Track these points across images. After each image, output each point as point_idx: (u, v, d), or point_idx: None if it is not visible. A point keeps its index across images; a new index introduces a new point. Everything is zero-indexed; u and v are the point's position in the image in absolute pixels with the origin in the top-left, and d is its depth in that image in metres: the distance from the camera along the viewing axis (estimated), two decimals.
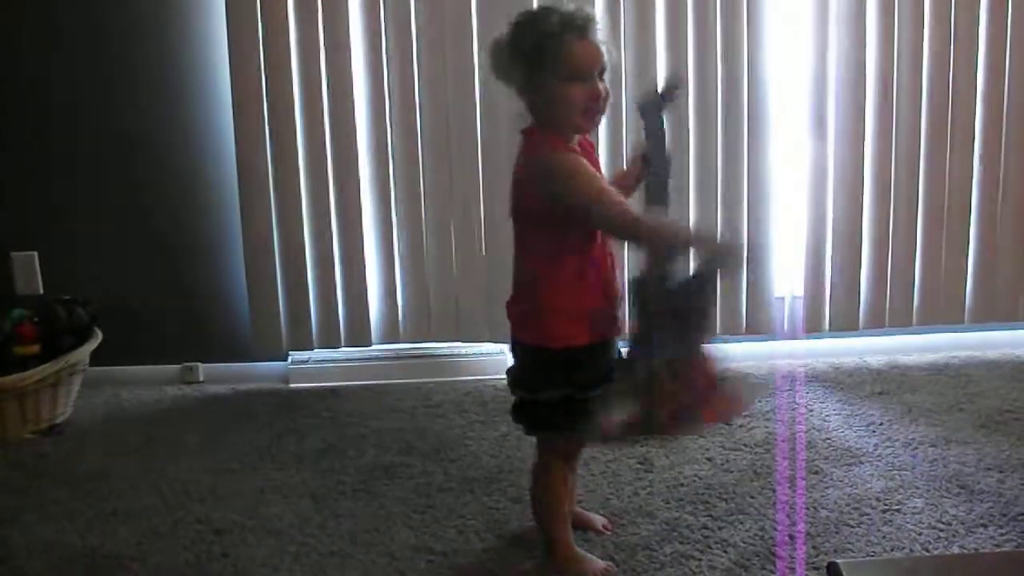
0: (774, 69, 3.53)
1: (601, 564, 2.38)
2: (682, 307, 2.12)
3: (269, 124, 3.46)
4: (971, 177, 3.62)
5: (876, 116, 3.56)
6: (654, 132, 2.29)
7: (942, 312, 3.70)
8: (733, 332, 3.67)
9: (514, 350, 2.34)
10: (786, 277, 3.70)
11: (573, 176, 2.12)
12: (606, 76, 2.14)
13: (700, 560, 2.41)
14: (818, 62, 3.52)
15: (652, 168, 2.28)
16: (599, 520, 2.58)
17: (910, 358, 3.74)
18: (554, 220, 2.15)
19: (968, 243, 3.67)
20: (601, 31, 2.13)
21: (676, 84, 2.44)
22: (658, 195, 2.27)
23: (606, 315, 2.25)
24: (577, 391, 2.22)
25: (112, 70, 3.56)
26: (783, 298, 3.71)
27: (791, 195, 3.65)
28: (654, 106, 2.31)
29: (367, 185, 3.53)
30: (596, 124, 2.24)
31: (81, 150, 3.59)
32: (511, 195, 2.26)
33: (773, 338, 3.73)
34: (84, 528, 2.66)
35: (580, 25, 2.10)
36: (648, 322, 2.13)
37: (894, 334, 3.77)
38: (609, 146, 3.50)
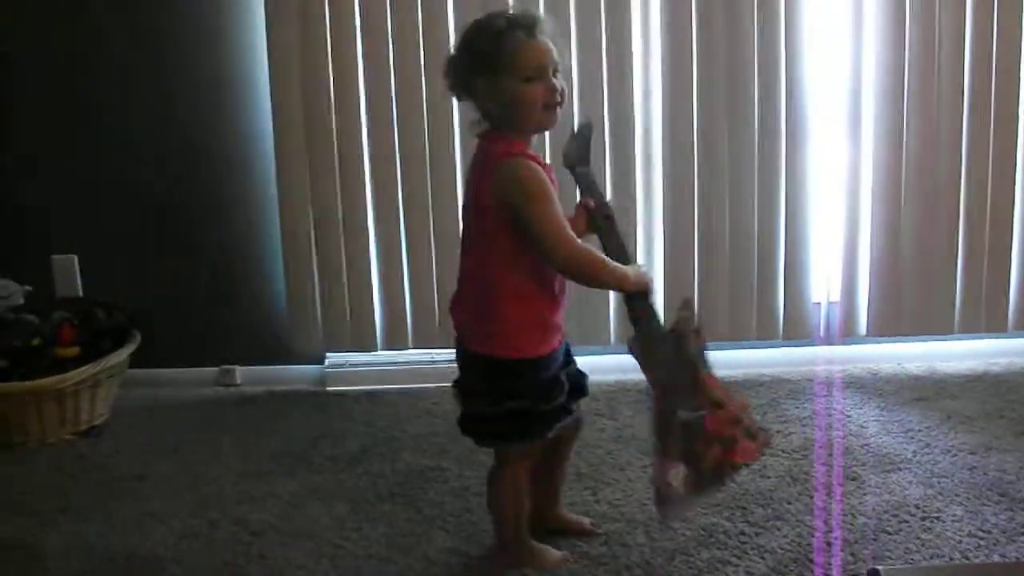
0: (811, 72, 3.51)
1: (558, 554, 2.45)
2: (675, 361, 2.18)
3: (307, 130, 3.47)
4: (1013, 183, 3.59)
5: (916, 119, 3.52)
6: (585, 181, 2.40)
7: (983, 319, 3.66)
8: (770, 337, 3.66)
9: (462, 360, 2.34)
10: (823, 282, 3.68)
11: (539, 199, 2.16)
12: (559, 74, 2.18)
13: (737, 566, 2.39)
14: (856, 64, 3.50)
15: (597, 214, 2.36)
16: (586, 521, 2.59)
17: (949, 364, 3.71)
18: (513, 226, 2.18)
19: (1011, 249, 3.63)
20: (549, 30, 2.19)
21: (587, 129, 2.48)
22: (611, 237, 2.34)
23: (557, 324, 2.30)
24: (532, 402, 2.25)
25: (153, 75, 3.58)
26: (820, 304, 3.69)
27: (829, 199, 3.62)
28: (575, 156, 2.42)
29: (404, 188, 3.53)
30: (555, 121, 2.23)
31: (120, 154, 3.62)
32: (465, 195, 2.34)
33: (811, 343, 3.71)
34: (121, 529, 2.67)
35: (528, 25, 2.15)
36: (660, 380, 2.20)
37: (933, 340, 3.74)
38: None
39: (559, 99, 2.18)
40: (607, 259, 2.23)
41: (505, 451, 2.34)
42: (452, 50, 2.25)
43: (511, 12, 2.27)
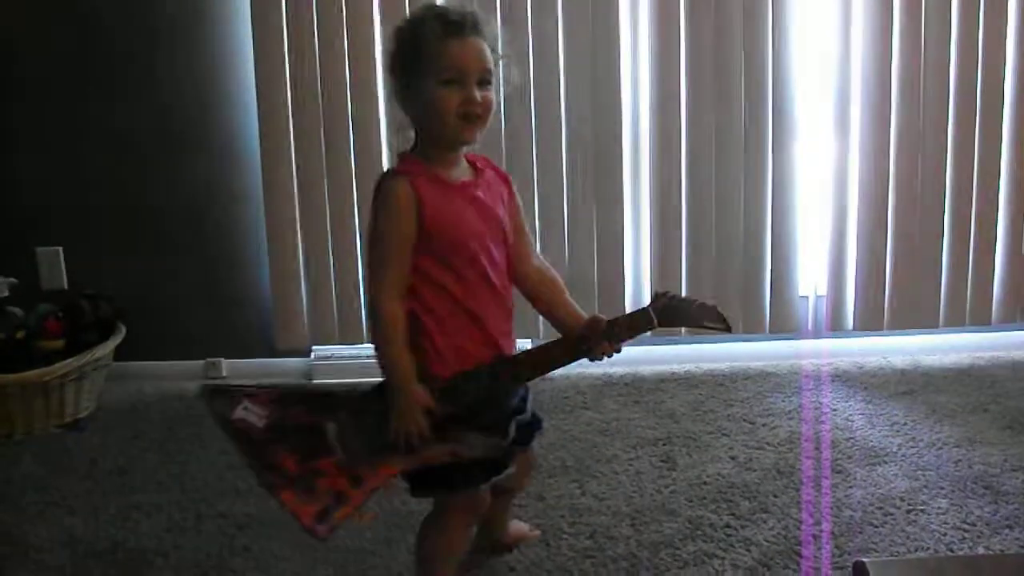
0: (798, 68, 3.53)
1: None
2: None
3: (293, 122, 3.47)
4: (998, 177, 3.60)
5: (901, 114, 3.54)
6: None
7: (968, 313, 3.68)
8: (757, 331, 3.67)
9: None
10: (810, 276, 3.69)
11: (381, 221, 1.91)
12: (493, 83, 1.93)
13: (723, 559, 2.40)
14: (842, 62, 3.51)
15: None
16: (525, 527, 2.49)
17: (934, 358, 3.72)
18: (420, 247, 1.93)
19: (995, 243, 3.65)
20: (492, 37, 1.93)
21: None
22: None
23: (486, 355, 2.01)
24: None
25: (138, 69, 3.57)
26: (807, 297, 3.70)
27: (815, 194, 3.64)
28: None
29: None
30: (475, 135, 1.94)
31: (106, 146, 3.61)
32: None
33: (797, 337, 3.72)
34: (108, 522, 2.67)
35: (455, 21, 1.89)
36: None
37: (919, 334, 3.75)
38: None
39: (478, 111, 1.89)
40: (398, 341, 1.92)
41: (442, 498, 2.11)
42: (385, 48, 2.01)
43: (444, 6, 1.99)
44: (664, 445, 3.03)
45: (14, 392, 3.16)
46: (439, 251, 1.92)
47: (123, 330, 3.46)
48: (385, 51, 2.01)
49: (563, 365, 2.06)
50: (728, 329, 2.01)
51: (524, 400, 2.13)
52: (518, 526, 2.48)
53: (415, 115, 1.96)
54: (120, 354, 3.48)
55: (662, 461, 2.92)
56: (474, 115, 1.89)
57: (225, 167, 3.64)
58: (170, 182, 3.65)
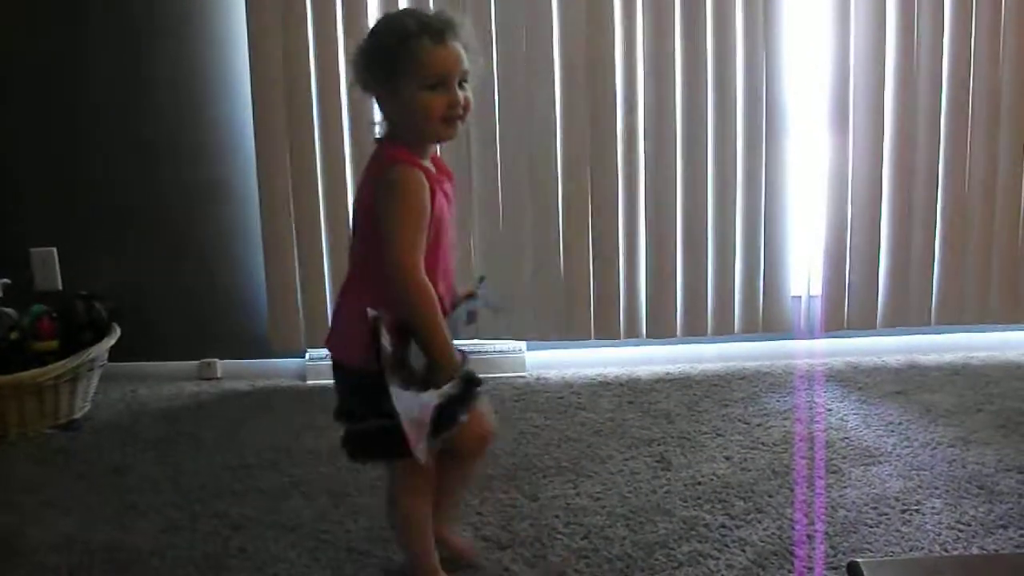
0: (793, 66, 3.53)
1: None
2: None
3: (288, 123, 3.47)
4: (993, 176, 3.60)
5: (895, 113, 3.54)
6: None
7: (962, 312, 3.68)
8: (751, 331, 3.67)
9: (344, 378, 2.20)
10: (804, 276, 3.69)
11: (402, 203, 2.02)
12: (469, 83, 2.06)
13: (718, 559, 2.40)
14: (838, 59, 3.51)
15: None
16: (470, 547, 2.47)
17: (929, 358, 3.73)
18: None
19: (990, 242, 3.64)
20: (466, 37, 2.06)
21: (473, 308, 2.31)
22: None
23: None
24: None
25: (133, 70, 3.57)
26: (800, 297, 3.70)
27: (810, 193, 3.64)
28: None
29: None
30: (456, 133, 2.10)
31: (100, 147, 3.61)
32: (355, 200, 2.21)
33: (791, 337, 3.73)
34: (103, 522, 2.66)
35: (438, 29, 2.02)
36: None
37: (913, 333, 3.76)
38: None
39: (460, 112, 2.04)
40: (437, 312, 2.06)
41: (395, 466, 2.22)
42: (359, 43, 2.10)
43: (426, 12, 2.14)
44: (659, 445, 3.03)
45: (8, 393, 3.16)
46: (432, 233, 2.08)
47: (117, 331, 3.46)
48: (360, 49, 2.10)
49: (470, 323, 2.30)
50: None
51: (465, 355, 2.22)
52: (463, 540, 2.48)
53: (394, 112, 2.09)
54: (115, 355, 3.48)
55: (657, 461, 2.93)
56: (456, 116, 2.05)
57: (221, 168, 3.64)
58: (165, 183, 3.64)
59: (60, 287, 3.67)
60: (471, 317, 2.28)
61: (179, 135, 3.61)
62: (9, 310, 3.36)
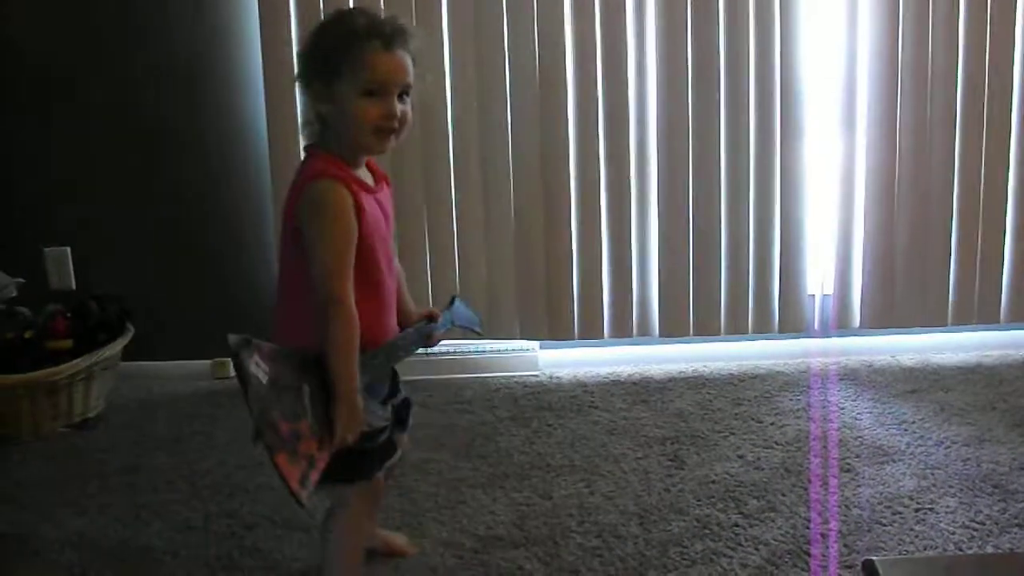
0: (806, 67, 3.52)
1: None
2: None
3: (301, 123, 3.46)
4: (1007, 175, 3.59)
5: (909, 112, 3.53)
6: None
7: (977, 311, 3.67)
8: (765, 330, 3.66)
9: None
10: (818, 275, 3.69)
11: (327, 222, 1.92)
12: (410, 96, 1.97)
13: (732, 557, 2.40)
14: (850, 61, 3.50)
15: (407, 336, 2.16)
16: (401, 540, 2.48)
17: (942, 356, 3.72)
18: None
19: (1003, 241, 3.63)
20: (415, 49, 1.97)
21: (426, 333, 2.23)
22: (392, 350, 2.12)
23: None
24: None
25: (146, 69, 3.58)
26: (814, 296, 3.70)
27: (823, 193, 3.63)
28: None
29: (395, 182, 3.52)
30: (388, 147, 2.00)
31: (114, 147, 3.62)
32: (282, 222, 2.06)
33: (804, 336, 3.72)
34: (116, 522, 2.67)
35: (387, 33, 1.91)
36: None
37: (927, 332, 3.75)
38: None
39: (395, 125, 1.94)
40: (354, 351, 1.93)
41: (340, 493, 2.14)
42: (307, 36, 2.02)
43: (378, 15, 1.98)
44: (672, 444, 3.03)
45: (22, 393, 3.16)
46: (364, 252, 1.96)
47: (131, 330, 3.46)
48: (305, 43, 2.02)
49: (417, 349, 2.20)
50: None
51: (396, 382, 2.19)
52: (392, 536, 2.48)
53: (328, 113, 1.98)
54: (128, 354, 3.48)
55: (670, 460, 2.93)
56: (390, 129, 1.95)
57: (233, 168, 3.64)
58: (177, 182, 3.65)
59: (74, 287, 3.68)
60: (423, 341, 2.20)
61: (193, 137, 3.62)
62: (23, 309, 3.37)
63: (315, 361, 1.93)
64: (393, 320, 2.12)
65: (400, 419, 2.18)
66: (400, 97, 1.95)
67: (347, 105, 1.93)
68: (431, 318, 2.22)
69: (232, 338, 1.85)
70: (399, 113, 1.94)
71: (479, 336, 2.23)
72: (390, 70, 1.92)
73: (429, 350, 2.31)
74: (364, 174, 2.05)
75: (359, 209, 1.94)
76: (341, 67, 1.91)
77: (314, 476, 1.90)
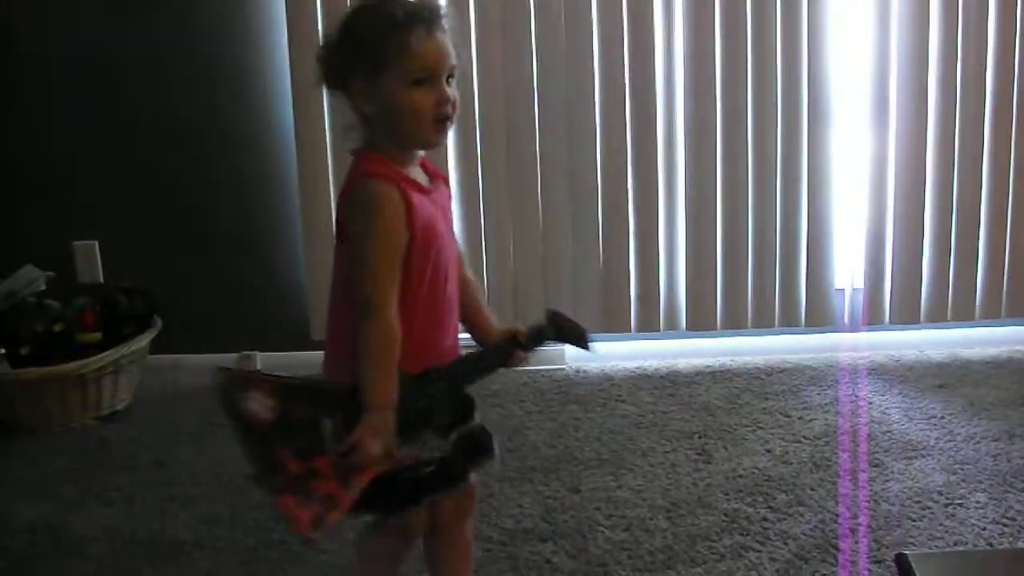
0: (835, 60, 3.50)
1: None
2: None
3: (328, 115, 3.48)
4: None
5: (938, 107, 3.51)
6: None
7: (1005, 305, 3.65)
8: (793, 324, 3.65)
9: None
10: (846, 269, 3.67)
11: (372, 221, 1.76)
12: (455, 80, 1.81)
13: (760, 552, 2.39)
14: (880, 54, 3.49)
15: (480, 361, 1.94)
16: None
17: (972, 351, 3.69)
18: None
19: None
20: (449, 27, 1.80)
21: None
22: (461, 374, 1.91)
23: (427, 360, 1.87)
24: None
25: (174, 64, 3.60)
26: (843, 290, 3.68)
27: (852, 187, 3.62)
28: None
29: None
30: (444, 138, 1.85)
31: (142, 141, 3.63)
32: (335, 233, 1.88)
33: (834, 330, 3.70)
34: (145, 514, 2.68)
35: (427, 18, 1.76)
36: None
37: (956, 327, 3.72)
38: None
39: (450, 111, 1.78)
40: (388, 361, 1.78)
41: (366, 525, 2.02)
42: (330, 34, 1.85)
43: (408, 0, 1.80)
44: (700, 438, 3.02)
45: (51, 385, 3.18)
46: (415, 257, 1.81)
47: (159, 323, 3.48)
48: (331, 42, 1.84)
49: (492, 373, 1.96)
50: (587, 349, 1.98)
51: (471, 407, 1.94)
52: None
53: (375, 114, 1.80)
54: (156, 347, 3.50)
55: (698, 454, 2.92)
56: (446, 116, 1.79)
57: (261, 161, 3.65)
58: (205, 175, 3.67)
59: (102, 280, 3.70)
60: (499, 363, 1.95)
61: (220, 130, 3.63)
62: (53, 302, 3.39)
63: (349, 393, 1.79)
64: (452, 338, 1.94)
65: (468, 450, 1.91)
66: (447, 81, 1.79)
67: (398, 99, 1.76)
68: (514, 337, 1.94)
69: (219, 373, 1.76)
70: (452, 97, 1.79)
71: (586, 349, 1.96)
72: (438, 55, 1.76)
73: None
74: (417, 173, 1.87)
75: (409, 207, 1.78)
76: (384, 60, 1.75)
77: (333, 516, 1.76)
